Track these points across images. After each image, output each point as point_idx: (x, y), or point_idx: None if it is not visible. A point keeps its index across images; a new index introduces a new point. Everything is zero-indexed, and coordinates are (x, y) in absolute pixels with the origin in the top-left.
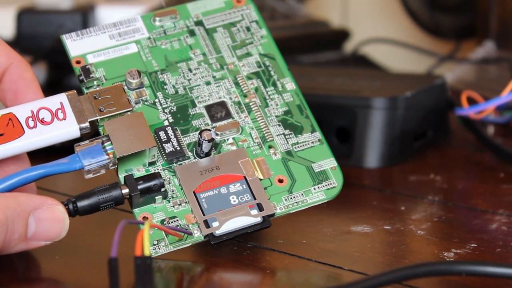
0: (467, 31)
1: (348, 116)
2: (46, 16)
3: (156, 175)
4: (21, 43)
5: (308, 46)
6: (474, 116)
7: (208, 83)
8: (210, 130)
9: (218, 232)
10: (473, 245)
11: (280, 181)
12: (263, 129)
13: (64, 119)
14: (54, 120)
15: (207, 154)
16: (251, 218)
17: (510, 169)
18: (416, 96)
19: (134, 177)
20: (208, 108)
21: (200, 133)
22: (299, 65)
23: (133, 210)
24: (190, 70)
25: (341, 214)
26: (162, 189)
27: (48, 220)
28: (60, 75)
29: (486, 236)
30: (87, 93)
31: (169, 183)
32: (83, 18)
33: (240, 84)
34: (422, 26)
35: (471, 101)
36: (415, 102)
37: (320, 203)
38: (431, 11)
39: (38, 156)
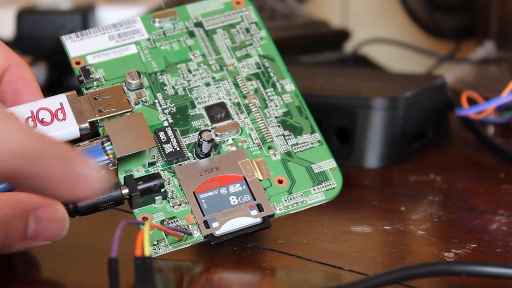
0: (467, 31)
1: (348, 116)
2: (46, 17)
3: (156, 176)
4: (21, 43)
5: (308, 46)
6: (474, 116)
7: (207, 84)
8: (210, 131)
9: (218, 233)
10: (473, 245)
11: (280, 181)
12: (262, 130)
13: (64, 120)
14: (53, 121)
15: (207, 155)
16: (251, 219)
17: (510, 169)
18: (416, 96)
19: (134, 177)
20: (208, 109)
21: (200, 134)
22: (299, 65)
23: (133, 210)
24: (189, 71)
25: (341, 214)
26: (162, 190)
27: (48, 219)
28: (60, 75)
29: (486, 237)
30: (86, 94)
31: (169, 184)
32: (83, 19)
33: (240, 85)
34: (422, 26)
35: (471, 101)
36: (415, 102)
37: (319, 203)
38: (431, 11)
39: None
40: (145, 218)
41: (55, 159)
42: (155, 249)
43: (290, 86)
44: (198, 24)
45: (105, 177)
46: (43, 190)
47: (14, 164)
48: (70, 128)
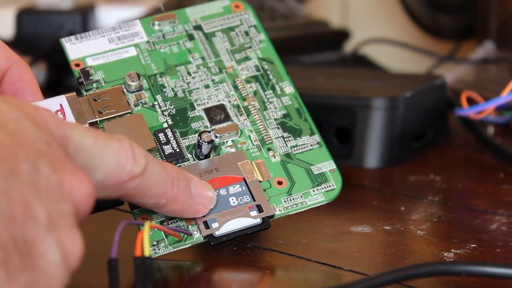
0: (467, 31)
1: (348, 116)
2: (46, 16)
3: None
4: (21, 43)
5: (308, 46)
6: (474, 116)
7: (207, 86)
8: (209, 132)
9: (217, 233)
10: (473, 245)
11: (279, 183)
12: (262, 132)
13: None
14: None
15: (207, 156)
16: (250, 219)
17: (510, 169)
18: (416, 96)
19: None
20: (207, 111)
21: (199, 135)
22: (299, 65)
23: (133, 211)
24: (189, 73)
25: (341, 214)
26: None
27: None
28: (59, 75)
29: (486, 236)
30: (86, 95)
31: None
32: (83, 19)
33: (239, 87)
34: (422, 26)
35: (471, 101)
36: (415, 102)
37: (319, 205)
38: (431, 11)
39: None
40: (145, 219)
41: (169, 181)
42: (155, 249)
43: (289, 88)
44: (198, 27)
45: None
46: (160, 207)
47: (121, 182)
48: None
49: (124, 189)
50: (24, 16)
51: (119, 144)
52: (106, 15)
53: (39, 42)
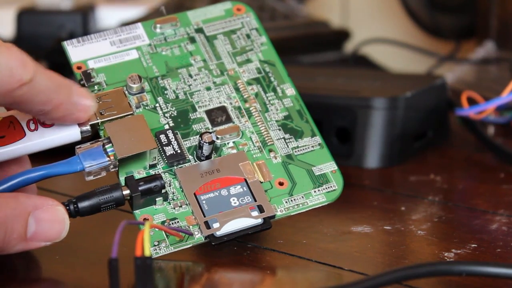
0: (467, 31)
1: (348, 116)
2: (46, 16)
3: (157, 177)
4: (21, 43)
5: (308, 46)
6: (474, 116)
7: (208, 89)
8: (210, 133)
9: (218, 233)
10: (473, 245)
11: (281, 184)
12: (263, 133)
13: None
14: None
15: (208, 157)
16: (251, 220)
17: (510, 169)
18: (416, 96)
19: (135, 178)
20: (209, 112)
21: (200, 136)
22: (299, 65)
23: (134, 211)
24: (190, 75)
25: (341, 214)
26: (163, 191)
27: (48, 220)
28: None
29: (486, 237)
30: None
31: (170, 186)
32: (83, 19)
33: (240, 89)
34: (422, 26)
35: (471, 101)
36: (415, 102)
37: (320, 205)
38: (431, 11)
39: (39, 156)
40: (145, 219)
41: (54, 88)
42: (156, 249)
43: (290, 90)
44: (199, 30)
45: (95, 105)
46: (45, 114)
47: (11, 89)
48: (71, 130)
49: (12, 96)
50: (25, 16)
51: (8, 52)
52: (106, 15)
53: (39, 42)
